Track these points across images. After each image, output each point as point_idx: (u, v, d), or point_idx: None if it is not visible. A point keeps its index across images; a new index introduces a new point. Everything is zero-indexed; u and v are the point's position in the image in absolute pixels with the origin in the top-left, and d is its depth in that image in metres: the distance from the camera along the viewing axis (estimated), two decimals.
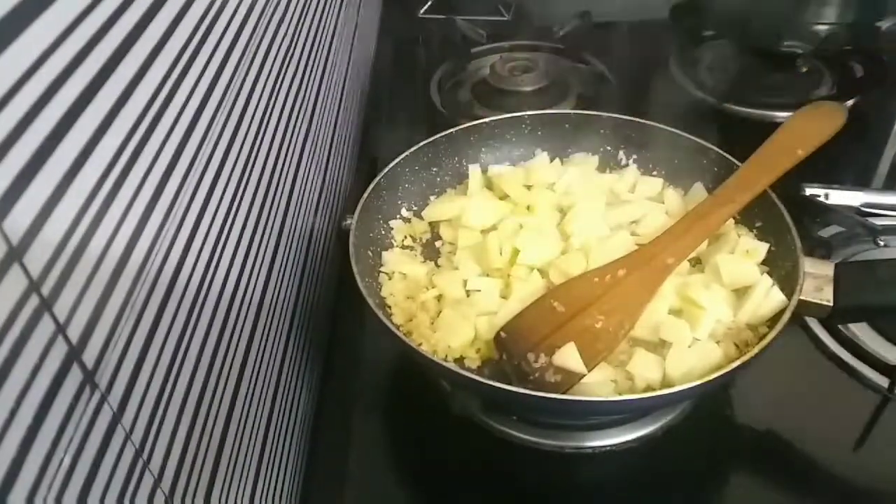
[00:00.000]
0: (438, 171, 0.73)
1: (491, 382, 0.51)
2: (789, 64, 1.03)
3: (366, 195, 0.66)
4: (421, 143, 0.72)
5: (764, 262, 0.63)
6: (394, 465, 0.61)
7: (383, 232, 0.69)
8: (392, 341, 0.54)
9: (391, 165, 0.69)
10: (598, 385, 0.55)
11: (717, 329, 0.58)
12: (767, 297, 0.57)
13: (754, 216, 0.66)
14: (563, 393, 0.53)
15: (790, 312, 0.54)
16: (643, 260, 0.60)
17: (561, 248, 0.65)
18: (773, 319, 0.55)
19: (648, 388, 0.55)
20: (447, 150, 0.73)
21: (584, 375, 0.54)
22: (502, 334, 0.58)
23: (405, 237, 0.70)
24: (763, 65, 1.03)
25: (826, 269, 0.56)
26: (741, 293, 0.60)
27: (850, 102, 0.97)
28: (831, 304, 0.55)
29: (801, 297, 0.55)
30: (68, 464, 0.28)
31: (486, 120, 0.75)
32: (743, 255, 0.62)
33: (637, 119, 0.74)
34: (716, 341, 0.57)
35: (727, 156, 0.69)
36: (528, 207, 0.69)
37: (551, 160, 0.75)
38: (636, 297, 0.58)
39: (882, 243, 0.72)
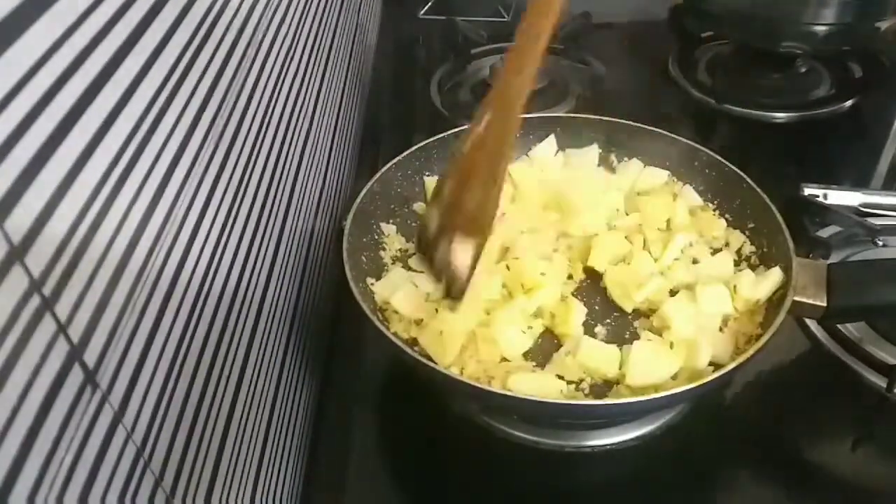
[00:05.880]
0: (431, 175, 0.73)
1: (489, 388, 0.52)
2: (788, 64, 1.03)
3: (358, 200, 0.66)
4: (413, 148, 0.71)
5: (758, 264, 0.63)
6: (394, 465, 0.61)
7: (376, 237, 0.68)
8: (387, 346, 0.54)
9: (383, 170, 0.69)
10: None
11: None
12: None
13: (747, 217, 0.66)
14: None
15: (784, 313, 0.54)
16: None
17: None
18: (767, 320, 0.55)
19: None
20: (439, 154, 0.72)
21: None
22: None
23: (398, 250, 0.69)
24: (762, 65, 1.03)
25: (819, 269, 0.57)
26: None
27: (848, 103, 0.98)
28: (825, 304, 0.55)
29: (795, 298, 0.55)
30: (69, 463, 0.28)
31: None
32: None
33: (628, 122, 0.74)
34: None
35: (719, 158, 0.69)
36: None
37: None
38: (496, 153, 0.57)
39: (881, 243, 0.72)
